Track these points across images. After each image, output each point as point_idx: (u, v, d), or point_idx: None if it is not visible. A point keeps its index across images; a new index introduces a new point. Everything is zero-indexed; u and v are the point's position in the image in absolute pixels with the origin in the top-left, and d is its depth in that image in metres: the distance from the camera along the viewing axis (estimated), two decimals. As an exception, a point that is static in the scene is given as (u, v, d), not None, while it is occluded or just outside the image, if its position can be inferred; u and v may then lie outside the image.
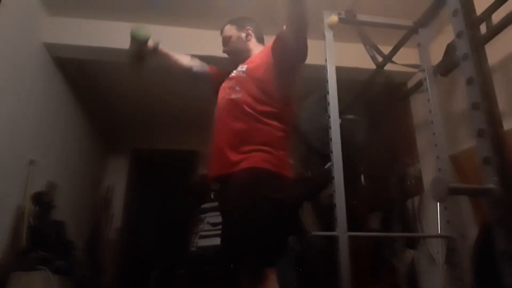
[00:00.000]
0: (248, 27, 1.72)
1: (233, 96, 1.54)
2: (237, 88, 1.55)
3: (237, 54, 1.70)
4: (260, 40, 1.74)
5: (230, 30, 1.73)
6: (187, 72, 1.83)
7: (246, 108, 1.48)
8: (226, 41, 1.74)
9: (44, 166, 2.95)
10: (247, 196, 1.34)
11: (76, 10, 2.92)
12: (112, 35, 2.99)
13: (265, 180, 1.36)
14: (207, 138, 1.60)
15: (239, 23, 1.73)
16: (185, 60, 1.84)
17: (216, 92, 1.66)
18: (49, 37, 2.92)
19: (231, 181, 1.40)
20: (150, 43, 1.71)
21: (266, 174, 1.37)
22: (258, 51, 1.67)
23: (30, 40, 2.78)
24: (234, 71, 1.63)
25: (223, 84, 1.64)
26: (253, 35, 1.72)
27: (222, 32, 1.76)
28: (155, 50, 1.75)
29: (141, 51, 1.70)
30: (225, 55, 1.77)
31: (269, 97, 1.50)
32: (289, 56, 1.50)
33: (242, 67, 1.60)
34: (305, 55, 1.50)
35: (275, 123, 1.47)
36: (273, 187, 1.36)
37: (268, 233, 1.32)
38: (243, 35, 1.71)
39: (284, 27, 1.47)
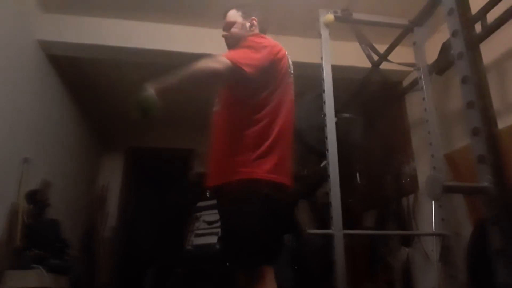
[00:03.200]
0: (254, 17, 1.68)
1: (214, 108, 1.56)
2: (217, 100, 1.56)
3: (236, 42, 1.61)
4: (263, 32, 1.68)
5: (235, 16, 1.67)
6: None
7: (224, 120, 1.49)
8: (228, 26, 1.68)
9: (39, 164, 2.93)
10: (242, 200, 1.34)
11: (71, 7, 2.89)
12: (108, 32, 2.97)
13: (260, 191, 1.35)
14: (203, 136, 1.61)
15: (246, 11, 1.68)
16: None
17: None
18: (43, 34, 2.90)
19: (225, 191, 1.40)
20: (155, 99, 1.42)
21: (261, 184, 1.36)
22: None
23: (24, 38, 2.76)
24: None
25: None
26: (257, 26, 1.68)
27: (225, 15, 1.70)
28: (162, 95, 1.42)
29: (152, 109, 1.42)
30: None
31: (236, 106, 1.48)
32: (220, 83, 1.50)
33: None
34: (226, 77, 1.43)
35: (257, 129, 1.42)
36: (267, 193, 1.35)
37: (264, 232, 1.32)
38: (248, 24, 1.66)
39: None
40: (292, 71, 1.64)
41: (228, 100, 1.52)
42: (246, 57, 1.41)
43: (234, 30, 1.65)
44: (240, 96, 1.49)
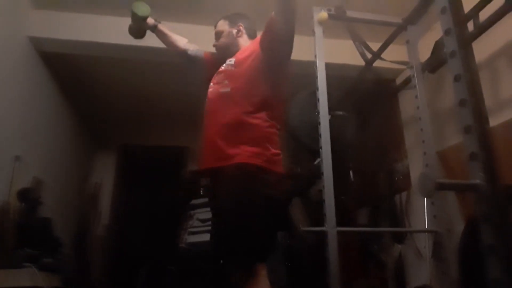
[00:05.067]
0: (240, 24, 1.73)
1: (222, 90, 1.54)
2: (226, 82, 1.55)
3: (226, 49, 1.70)
4: (252, 37, 1.74)
5: (223, 25, 1.74)
6: (182, 54, 1.88)
7: (234, 102, 1.48)
8: (217, 35, 1.75)
9: (30, 162, 2.90)
10: (237, 192, 1.34)
11: (62, 3, 2.86)
12: (100, 29, 2.94)
13: (256, 176, 1.36)
14: (196, 134, 1.60)
15: (232, 19, 1.75)
16: (181, 42, 1.90)
17: (209, 79, 1.66)
18: (34, 31, 2.86)
19: (222, 176, 1.39)
20: (150, 20, 1.86)
21: (257, 170, 1.37)
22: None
23: (15, 34, 2.72)
24: (223, 65, 1.63)
25: (213, 78, 1.64)
26: (244, 31, 1.73)
27: (215, 27, 1.77)
28: (155, 27, 1.88)
29: (141, 27, 1.86)
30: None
31: (258, 89, 1.49)
32: (277, 46, 1.50)
33: (231, 60, 1.60)
34: (291, 47, 1.52)
35: (264, 118, 1.47)
36: (263, 183, 1.36)
37: (258, 229, 1.32)
38: (234, 31, 1.72)
39: (273, 16, 1.48)
40: None
41: (244, 84, 1.52)
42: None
43: (222, 40, 1.73)
44: (257, 82, 1.51)
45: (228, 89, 1.53)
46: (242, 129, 1.44)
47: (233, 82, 1.53)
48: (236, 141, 1.42)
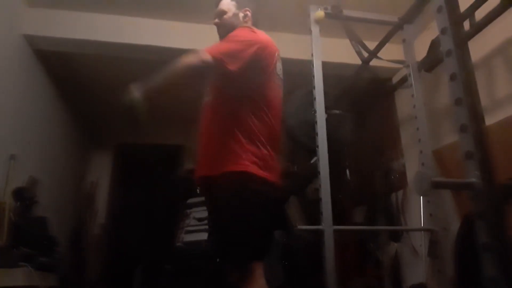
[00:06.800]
0: (248, 8, 1.64)
1: (205, 99, 1.54)
2: (208, 89, 1.55)
3: (227, 31, 1.56)
4: (255, 25, 1.64)
5: (228, 5, 1.63)
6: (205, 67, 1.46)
7: (214, 111, 1.48)
8: (220, 14, 1.63)
9: (25, 161, 2.88)
10: (233, 194, 1.34)
11: (57, 1, 2.84)
12: (95, 27, 2.93)
13: (250, 185, 1.34)
14: (192, 132, 1.59)
15: (240, 1, 1.64)
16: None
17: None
18: (29, 29, 2.84)
19: (217, 183, 1.39)
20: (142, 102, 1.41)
21: (252, 178, 1.35)
22: None
23: (10, 32, 2.70)
24: None
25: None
26: (250, 17, 1.64)
27: (217, 3, 1.66)
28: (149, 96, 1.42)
29: (140, 112, 1.43)
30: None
31: (233, 90, 1.45)
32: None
33: None
34: (211, 66, 1.37)
35: (247, 123, 1.41)
36: (257, 189, 1.35)
37: (254, 228, 1.32)
38: (241, 14, 1.63)
39: None
40: (281, 75, 1.60)
41: (219, 92, 1.51)
42: (231, 54, 1.38)
43: (226, 17, 1.61)
44: (228, 90, 1.47)
45: (209, 98, 1.54)
46: (228, 137, 1.44)
47: (212, 89, 1.54)
48: (225, 149, 1.43)
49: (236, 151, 1.37)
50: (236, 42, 1.45)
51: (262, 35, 1.53)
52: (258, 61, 1.45)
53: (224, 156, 1.39)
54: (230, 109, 1.44)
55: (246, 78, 1.43)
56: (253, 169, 1.35)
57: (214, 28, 1.67)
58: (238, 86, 1.44)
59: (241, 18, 1.62)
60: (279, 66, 1.59)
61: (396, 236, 3.09)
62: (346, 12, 2.44)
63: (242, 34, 1.50)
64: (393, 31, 2.59)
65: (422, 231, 2.46)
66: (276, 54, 1.55)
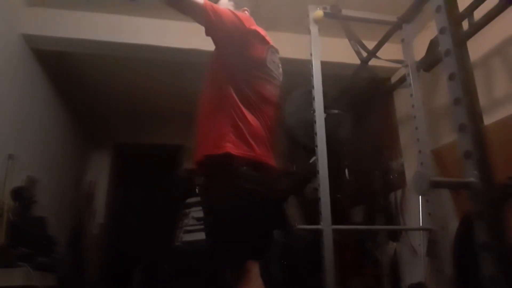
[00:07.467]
0: (246, 8, 1.66)
1: (202, 88, 1.56)
2: (204, 78, 1.57)
3: None
4: (237, 7, 1.64)
5: (226, 4, 1.63)
6: None
7: (205, 100, 1.51)
8: None
9: (24, 161, 2.87)
10: (230, 190, 1.34)
11: (56, 1, 2.84)
12: (93, 26, 2.92)
13: (247, 172, 1.35)
14: (192, 132, 1.59)
15: (238, 0, 1.65)
16: None
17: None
18: (28, 28, 2.84)
19: (212, 171, 1.39)
20: None
21: (246, 163, 1.35)
22: None
23: (8, 32, 2.69)
24: None
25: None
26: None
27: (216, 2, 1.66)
28: None
29: None
30: (211, 50, 1.74)
31: (223, 74, 1.48)
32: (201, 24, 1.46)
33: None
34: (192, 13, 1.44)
35: (235, 113, 1.42)
36: (256, 180, 1.35)
37: (252, 228, 1.32)
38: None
39: None
40: (276, 71, 1.59)
41: (213, 81, 1.53)
42: (218, 11, 1.42)
43: None
44: (218, 75, 1.50)
45: (204, 87, 1.57)
46: (219, 126, 1.45)
47: (206, 77, 1.57)
48: (219, 137, 1.44)
49: (219, 135, 1.39)
50: (228, 11, 1.47)
51: (256, 26, 1.54)
52: (242, 34, 1.45)
53: (214, 140, 1.40)
54: (220, 97, 1.46)
55: (231, 53, 1.47)
56: (232, 150, 1.35)
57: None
58: (226, 68, 1.47)
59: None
60: (272, 60, 1.57)
61: (395, 236, 3.09)
62: (345, 12, 2.43)
63: (238, 12, 1.53)
64: (392, 30, 2.59)
65: (421, 231, 2.46)
66: (268, 47, 1.55)
